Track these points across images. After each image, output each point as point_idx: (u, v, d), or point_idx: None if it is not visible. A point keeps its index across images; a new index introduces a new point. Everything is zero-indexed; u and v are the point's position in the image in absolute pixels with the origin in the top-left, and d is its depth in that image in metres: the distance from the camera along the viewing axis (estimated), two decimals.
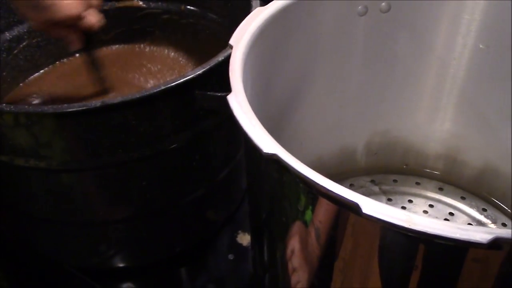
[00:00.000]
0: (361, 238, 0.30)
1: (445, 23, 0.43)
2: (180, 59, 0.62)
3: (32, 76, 0.63)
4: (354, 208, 0.25)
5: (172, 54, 0.63)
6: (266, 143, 0.28)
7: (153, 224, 0.51)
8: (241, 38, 0.36)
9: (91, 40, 0.53)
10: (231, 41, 0.36)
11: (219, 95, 0.42)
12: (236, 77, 0.33)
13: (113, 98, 0.39)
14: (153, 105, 0.41)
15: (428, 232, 0.24)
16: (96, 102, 0.39)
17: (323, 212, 0.30)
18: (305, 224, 0.32)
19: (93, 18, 0.50)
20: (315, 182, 0.26)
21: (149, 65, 0.63)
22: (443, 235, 0.23)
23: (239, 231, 0.56)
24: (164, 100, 0.41)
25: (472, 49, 0.44)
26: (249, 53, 0.36)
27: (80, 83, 0.61)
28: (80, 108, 0.39)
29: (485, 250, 0.25)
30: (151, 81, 0.60)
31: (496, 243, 0.23)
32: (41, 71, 0.63)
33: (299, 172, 0.26)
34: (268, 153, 0.28)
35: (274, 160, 0.28)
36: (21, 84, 0.62)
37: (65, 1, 0.45)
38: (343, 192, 0.25)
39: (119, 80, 0.62)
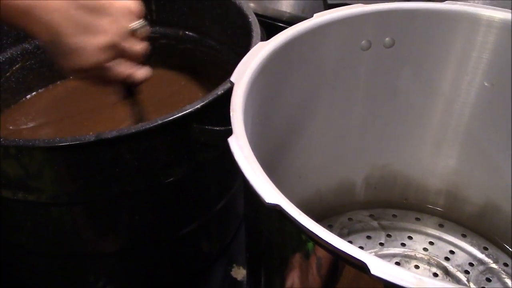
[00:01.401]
0: None
1: (452, 60, 0.43)
2: (177, 84, 0.61)
3: (24, 98, 0.61)
4: (362, 267, 0.23)
5: (169, 79, 0.62)
6: (269, 192, 0.27)
7: (144, 257, 0.50)
8: (243, 75, 0.35)
9: (133, 91, 0.49)
10: (232, 78, 0.35)
11: (218, 130, 0.41)
12: (238, 118, 0.31)
13: (108, 132, 0.37)
14: (149, 139, 0.40)
15: None
16: (90, 136, 0.37)
17: (325, 265, 0.29)
18: (306, 274, 0.30)
19: (138, 74, 0.45)
20: (321, 238, 0.24)
21: (145, 90, 0.62)
22: None
23: (234, 265, 0.54)
24: (161, 134, 0.40)
25: (478, 87, 0.43)
26: (250, 90, 0.35)
27: (73, 106, 0.60)
28: (73, 142, 0.37)
29: None
30: (147, 108, 0.59)
31: None
32: (34, 93, 0.62)
33: (303, 226, 0.25)
34: (270, 203, 0.26)
35: (277, 210, 0.26)
36: (12, 106, 0.61)
37: (90, 47, 0.40)
38: (351, 251, 0.24)
39: (114, 105, 0.60)
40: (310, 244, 0.28)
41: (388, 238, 0.51)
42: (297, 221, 0.25)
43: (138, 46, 0.44)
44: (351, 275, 0.28)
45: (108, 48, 0.41)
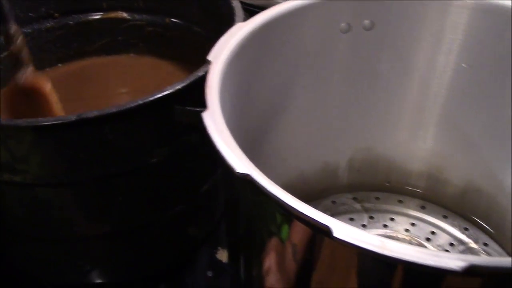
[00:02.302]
0: (337, 262, 0.29)
1: (427, 42, 0.43)
2: (164, 72, 0.62)
3: None
4: (326, 231, 0.24)
5: (156, 66, 0.62)
6: (239, 162, 0.27)
7: (132, 240, 0.50)
8: (220, 54, 0.36)
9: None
10: (210, 57, 0.36)
11: (198, 111, 0.41)
12: (213, 93, 0.32)
13: (90, 112, 0.38)
14: (131, 120, 0.40)
15: (402, 259, 0.23)
16: (72, 116, 0.38)
17: (298, 233, 0.29)
18: (282, 242, 0.31)
19: None
20: (288, 205, 0.25)
21: (132, 77, 0.63)
22: (417, 262, 0.23)
23: (219, 248, 0.55)
24: (142, 115, 0.40)
25: (454, 68, 0.44)
26: (228, 70, 0.35)
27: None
28: (55, 122, 0.38)
29: (461, 277, 0.25)
30: (134, 94, 0.60)
31: (471, 270, 0.23)
32: None
33: (271, 194, 0.26)
34: (241, 173, 0.27)
35: (248, 180, 0.27)
36: None
37: None
38: (315, 215, 0.24)
39: (102, 92, 0.61)
40: (280, 215, 0.29)
41: (370, 220, 0.52)
42: (266, 189, 0.26)
43: None
44: (321, 244, 0.29)
45: None
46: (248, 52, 0.38)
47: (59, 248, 0.50)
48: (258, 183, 0.26)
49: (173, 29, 0.62)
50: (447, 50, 0.43)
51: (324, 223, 0.24)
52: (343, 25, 0.44)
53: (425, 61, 0.44)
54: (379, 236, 0.24)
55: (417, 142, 0.50)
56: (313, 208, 0.25)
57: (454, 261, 0.23)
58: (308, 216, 0.24)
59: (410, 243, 0.49)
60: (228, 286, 0.52)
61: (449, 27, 0.42)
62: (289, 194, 0.26)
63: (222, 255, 0.54)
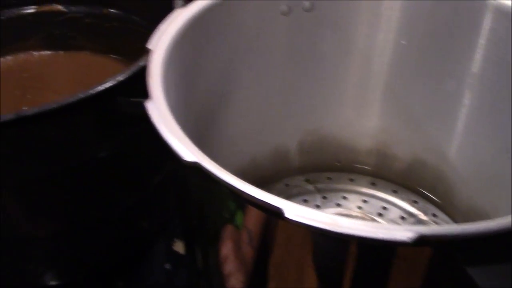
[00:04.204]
0: (292, 243, 0.30)
1: (365, 20, 0.44)
2: (104, 64, 0.60)
3: None
4: (278, 213, 0.24)
5: (96, 59, 0.61)
6: (187, 151, 0.27)
7: (84, 238, 0.49)
8: (160, 42, 0.35)
9: None
10: (150, 45, 0.35)
11: (143, 101, 0.41)
12: (155, 82, 0.31)
13: (29, 109, 0.37)
14: (73, 115, 0.39)
15: (353, 234, 0.23)
16: (10, 115, 0.36)
17: (251, 217, 0.29)
18: (236, 228, 0.31)
19: None
20: (239, 189, 0.25)
21: (72, 71, 0.61)
22: (367, 236, 0.23)
23: (175, 239, 0.54)
24: (85, 109, 0.39)
25: (394, 45, 0.44)
26: (170, 58, 0.35)
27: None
28: None
29: (412, 248, 0.25)
30: (75, 88, 0.58)
31: (420, 240, 0.23)
32: None
33: (221, 180, 0.26)
34: (189, 161, 0.27)
35: (197, 168, 0.27)
36: None
37: None
38: (265, 198, 0.25)
39: (42, 88, 0.59)
40: (231, 202, 0.29)
41: (324, 200, 0.53)
42: (215, 175, 0.26)
43: None
44: (275, 227, 0.29)
45: None
46: (189, 38, 0.37)
47: (4, 251, 0.48)
48: (207, 170, 0.26)
49: (111, 20, 0.60)
50: (385, 28, 0.44)
51: (275, 205, 0.24)
52: (283, 7, 0.44)
53: (365, 40, 0.45)
54: (328, 215, 0.24)
55: (363, 120, 0.50)
56: (263, 191, 0.25)
57: (403, 233, 0.23)
58: (259, 199, 0.24)
59: (363, 220, 0.50)
60: (186, 277, 0.51)
61: (386, 4, 0.42)
62: (239, 179, 0.26)
63: (179, 247, 0.54)
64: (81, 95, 0.38)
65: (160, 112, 0.29)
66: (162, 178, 0.51)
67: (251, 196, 0.25)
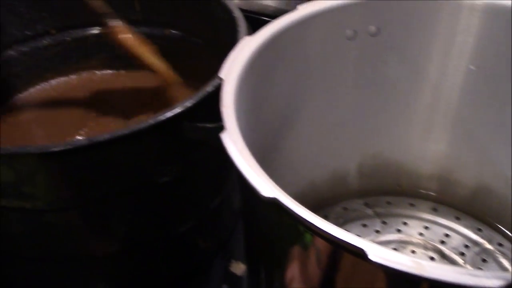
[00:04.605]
0: (362, 275, 0.29)
1: (437, 45, 0.43)
2: (164, 83, 0.61)
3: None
4: (361, 254, 0.24)
5: (156, 79, 0.62)
6: (266, 186, 0.27)
7: (141, 258, 0.50)
8: (231, 71, 0.35)
9: None
10: (221, 74, 0.35)
11: (209, 127, 0.41)
12: (229, 113, 0.32)
13: (101, 135, 0.37)
14: (141, 140, 0.40)
15: (439, 280, 0.23)
16: (83, 140, 0.37)
17: (324, 255, 0.29)
18: (304, 249, 0.31)
19: None
20: (320, 228, 0.25)
21: (132, 90, 0.62)
22: (454, 282, 0.23)
23: (232, 260, 0.54)
24: (153, 134, 0.40)
25: (465, 70, 0.43)
26: (240, 86, 0.35)
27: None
28: (66, 147, 0.37)
29: None
30: (135, 108, 0.59)
31: None
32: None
33: (301, 217, 0.25)
34: (267, 196, 0.26)
35: (274, 203, 0.27)
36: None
37: None
38: (348, 238, 0.24)
39: (104, 106, 0.60)
40: (308, 235, 0.29)
41: (383, 225, 0.52)
42: (295, 212, 0.26)
43: None
44: (350, 263, 0.29)
45: None
46: (258, 66, 0.38)
47: (66, 269, 0.49)
48: (286, 206, 0.26)
49: (172, 40, 0.61)
50: (458, 53, 0.43)
51: (358, 246, 0.24)
52: (348, 32, 0.43)
53: (435, 65, 0.44)
54: (412, 258, 0.24)
55: (427, 144, 0.49)
56: (346, 232, 0.24)
57: (491, 280, 0.22)
58: (341, 239, 0.24)
59: (425, 247, 0.49)
60: None
61: (459, 30, 0.41)
62: (317, 217, 0.25)
63: (236, 268, 0.54)
64: (151, 121, 0.38)
65: (236, 145, 0.29)
66: (220, 200, 0.51)
67: (332, 235, 0.24)
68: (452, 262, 0.48)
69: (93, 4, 0.50)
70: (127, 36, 0.50)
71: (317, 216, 0.25)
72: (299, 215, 0.25)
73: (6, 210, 0.42)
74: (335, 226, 0.25)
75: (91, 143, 0.37)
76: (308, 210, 0.26)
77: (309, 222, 0.25)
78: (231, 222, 0.57)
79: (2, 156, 0.37)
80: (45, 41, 0.60)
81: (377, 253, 0.23)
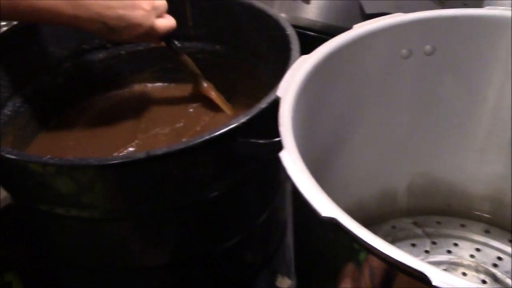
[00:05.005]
0: None
1: (496, 66, 0.42)
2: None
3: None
4: (422, 279, 0.24)
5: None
6: (325, 206, 0.27)
7: (189, 270, 0.51)
8: (288, 89, 0.36)
9: (170, 40, 0.57)
10: (279, 93, 0.35)
11: (262, 143, 0.41)
12: (287, 132, 0.32)
13: (158, 149, 0.38)
14: (196, 154, 0.41)
15: None
16: (141, 153, 0.38)
17: (379, 275, 0.29)
18: (358, 266, 0.30)
19: (163, 27, 0.53)
20: (381, 251, 0.25)
21: (183, 103, 0.63)
22: None
23: (278, 275, 0.54)
24: (207, 149, 0.41)
25: None
26: (297, 104, 0.35)
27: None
28: (124, 160, 0.38)
29: None
30: (183, 120, 0.60)
31: None
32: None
33: (361, 239, 0.25)
34: (327, 216, 0.27)
35: (332, 223, 0.27)
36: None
37: (134, 21, 0.49)
38: (411, 262, 0.24)
39: (154, 118, 0.61)
40: (363, 254, 0.29)
41: (433, 246, 0.51)
42: (354, 234, 0.26)
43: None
44: (405, 284, 0.28)
45: (152, 9, 0.50)
46: (313, 84, 0.38)
47: (118, 279, 0.50)
48: (345, 227, 0.26)
49: (222, 55, 0.62)
50: None
51: (421, 270, 0.23)
52: (404, 51, 0.43)
53: (494, 86, 0.43)
54: (478, 285, 0.23)
55: (481, 165, 0.49)
56: (407, 254, 0.24)
57: None
58: (404, 263, 0.24)
59: (476, 270, 0.48)
60: None
61: None
62: (379, 238, 0.25)
63: (282, 282, 0.54)
64: (206, 136, 0.39)
65: (296, 165, 0.29)
66: (267, 215, 0.52)
67: (395, 259, 0.24)
68: (506, 286, 0.46)
69: (193, 70, 0.60)
70: (213, 93, 0.61)
71: (379, 238, 0.25)
72: (359, 237, 0.25)
73: (62, 219, 0.44)
74: (397, 249, 0.25)
75: (148, 157, 0.38)
76: (368, 231, 0.26)
77: (370, 244, 0.25)
78: (277, 236, 0.57)
79: (63, 167, 0.39)
80: (101, 55, 0.62)
81: (443, 279, 0.23)
